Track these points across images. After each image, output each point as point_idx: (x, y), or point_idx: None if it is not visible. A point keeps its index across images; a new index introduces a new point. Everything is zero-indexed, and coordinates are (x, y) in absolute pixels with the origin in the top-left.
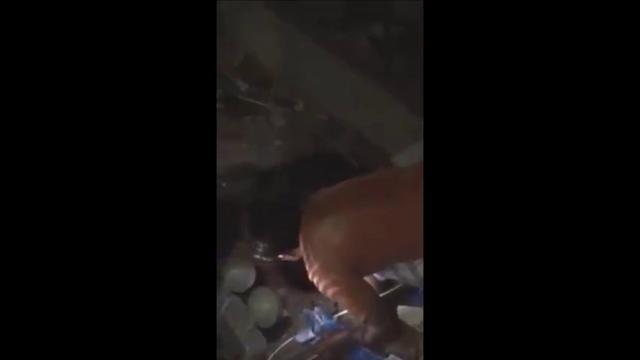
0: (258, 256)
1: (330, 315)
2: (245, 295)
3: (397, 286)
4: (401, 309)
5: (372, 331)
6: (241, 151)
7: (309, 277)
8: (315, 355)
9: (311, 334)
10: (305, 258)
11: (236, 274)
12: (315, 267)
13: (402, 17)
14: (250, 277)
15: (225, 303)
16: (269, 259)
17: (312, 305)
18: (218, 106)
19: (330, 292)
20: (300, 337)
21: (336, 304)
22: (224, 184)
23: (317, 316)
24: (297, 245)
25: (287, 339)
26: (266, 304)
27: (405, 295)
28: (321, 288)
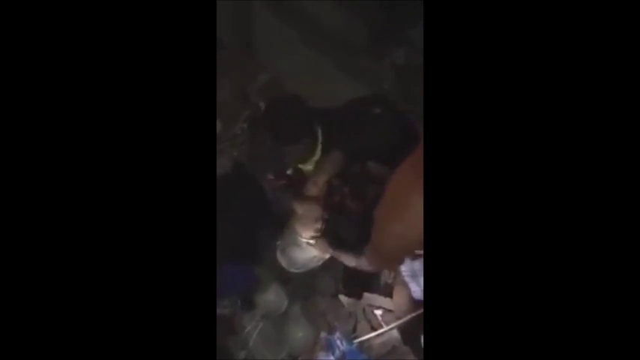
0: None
1: (350, 340)
2: (277, 320)
3: None
4: None
5: None
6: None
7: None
8: None
9: (331, 358)
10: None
11: (269, 297)
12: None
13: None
14: (283, 302)
15: (257, 328)
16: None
17: (329, 328)
18: (242, 125)
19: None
20: None
21: (354, 329)
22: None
23: (338, 342)
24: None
25: None
26: (299, 333)
27: None
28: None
